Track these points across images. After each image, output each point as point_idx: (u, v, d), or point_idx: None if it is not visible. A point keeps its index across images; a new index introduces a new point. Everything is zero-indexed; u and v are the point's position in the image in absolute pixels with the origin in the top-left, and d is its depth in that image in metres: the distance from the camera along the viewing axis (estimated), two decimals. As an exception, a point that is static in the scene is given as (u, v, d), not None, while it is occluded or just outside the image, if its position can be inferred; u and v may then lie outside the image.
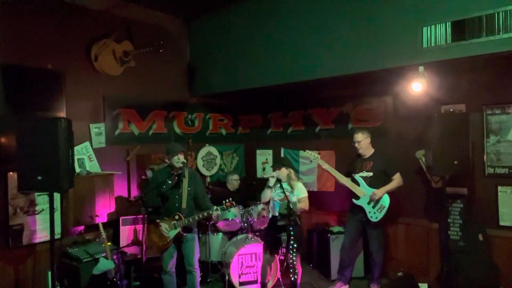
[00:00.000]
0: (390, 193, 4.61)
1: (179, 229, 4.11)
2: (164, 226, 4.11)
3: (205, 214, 4.15)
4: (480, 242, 4.48)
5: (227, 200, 4.15)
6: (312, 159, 4.86)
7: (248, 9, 5.41)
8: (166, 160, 4.33)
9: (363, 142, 4.67)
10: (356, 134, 4.72)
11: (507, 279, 4.36)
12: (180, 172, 4.22)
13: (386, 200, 4.56)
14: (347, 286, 4.91)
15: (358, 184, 4.65)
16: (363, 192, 4.60)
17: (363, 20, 4.31)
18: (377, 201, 4.54)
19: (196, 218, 4.15)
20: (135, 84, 5.45)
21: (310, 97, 6.21)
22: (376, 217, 4.55)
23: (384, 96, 5.42)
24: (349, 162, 4.93)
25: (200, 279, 4.40)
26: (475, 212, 4.61)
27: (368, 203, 4.57)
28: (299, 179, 4.57)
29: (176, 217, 4.12)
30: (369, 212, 4.57)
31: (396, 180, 4.59)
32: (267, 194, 4.34)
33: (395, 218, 5.19)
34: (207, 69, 5.99)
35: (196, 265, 4.29)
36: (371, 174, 4.63)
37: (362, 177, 4.65)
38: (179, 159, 4.16)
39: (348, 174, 4.79)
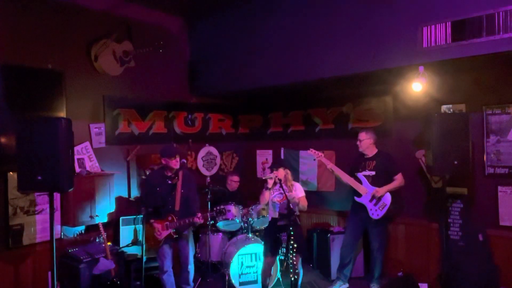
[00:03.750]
0: (393, 194, 4.63)
1: (170, 231, 4.18)
2: (156, 227, 4.18)
3: (191, 220, 4.20)
4: (480, 242, 4.48)
5: (218, 208, 4.42)
6: (315, 158, 4.93)
7: (248, 9, 5.40)
8: (163, 161, 4.31)
9: (364, 142, 4.74)
10: (360, 132, 4.83)
11: (507, 279, 4.36)
12: (174, 174, 4.25)
13: (387, 199, 4.60)
14: (347, 285, 4.91)
15: (360, 182, 4.70)
16: (365, 190, 4.65)
17: (363, 20, 4.31)
18: (379, 199, 4.58)
19: (187, 221, 4.20)
20: (135, 84, 5.45)
21: (310, 97, 6.21)
22: (378, 215, 4.59)
23: (384, 96, 5.41)
24: (353, 161, 4.97)
25: (193, 276, 4.50)
26: (475, 212, 4.61)
27: (370, 201, 4.62)
28: (297, 180, 4.63)
29: (169, 218, 4.18)
30: (371, 210, 4.62)
31: (398, 180, 4.65)
32: (265, 196, 4.35)
33: (395, 218, 5.20)
34: (207, 69, 5.98)
35: (191, 263, 4.40)
36: (373, 173, 4.68)
37: (364, 175, 4.71)
38: (177, 162, 4.21)
39: (351, 173, 4.84)
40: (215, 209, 4.29)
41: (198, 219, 4.20)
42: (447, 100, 4.80)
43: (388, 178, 4.66)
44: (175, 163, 4.20)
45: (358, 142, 4.79)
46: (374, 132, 4.82)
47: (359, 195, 4.68)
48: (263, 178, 4.36)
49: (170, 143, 5.83)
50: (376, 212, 4.59)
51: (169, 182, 4.20)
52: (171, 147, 4.41)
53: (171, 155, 4.20)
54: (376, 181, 4.64)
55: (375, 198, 4.58)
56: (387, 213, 4.59)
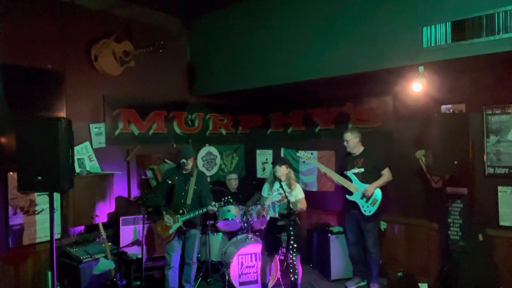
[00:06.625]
0: (391, 193, 4.64)
1: (181, 223, 4.35)
2: (167, 217, 4.39)
3: (204, 209, 4.40)
4: (480, 242, 4.48)
5: (225, 198, 4.51)
6: (305, 160, 5.04)
7: (248, 9, 5.40)
8: (180, 160, 4.52)
9: (351, 142, 4.84)
10: (345, 133, 4.92)
11: (507, 279, 4.36)
12: (188, 172, 4.52)
13: (378, 194, 4.71)
14: (365, 282, 4.98)
15: (351, 180, 4.78)
16: (356, 187, 4.74)
17: (364, 20, 4.30)
18: (370, 196, 4.65)
19: (197, 213, 4.40)
20: (135, 84, 5.44)
21: (310, 97, 6.21)
22: (370, 211, 4.69)
23: (384, 96, 5.41)
24: (341, 160, 5.08)
25: (195, 273, 4.66)
26: (475, 212, 4.61)
27: (361, 198, 4.71)
28: (297, 180, 4.67)
29: (180, 211, 4.37)
30: (363, 207, 4.71)
31: (386, 175, 4.76)
32: (267, 202, 4.40)
33: (395, 218, 5.21)
34: (207, 69, 5.98)
35: (195, 259, 4.57)
36: (362, 170, 4.78)
37: (354, 173, 4.80)
38: (187, 164, 4.45)
39: (340, 171, 4.93)
40: (223, 199, 4.50)
41: (212, 207, 4.38)
42: (447, 100, 4.80)
43: (377, 173, 4.76)
44: (186, 164, 4.46)
45: (344, 143, 4.88)
46: (358, 130, 4.93)
47: (351, 193, 4.77)
48: (274, 200, 4.34)
49: (170, 143, 5.86)
50: (368, 209, 4.69)
51: (175, 180, 4.43)
52: (189, 148, 4.70)
53: (185, 156, 4.45)
54: (366, 178, 4.73)
55: (366, 196, 4.67)
56: (378, 209, 4.68)
